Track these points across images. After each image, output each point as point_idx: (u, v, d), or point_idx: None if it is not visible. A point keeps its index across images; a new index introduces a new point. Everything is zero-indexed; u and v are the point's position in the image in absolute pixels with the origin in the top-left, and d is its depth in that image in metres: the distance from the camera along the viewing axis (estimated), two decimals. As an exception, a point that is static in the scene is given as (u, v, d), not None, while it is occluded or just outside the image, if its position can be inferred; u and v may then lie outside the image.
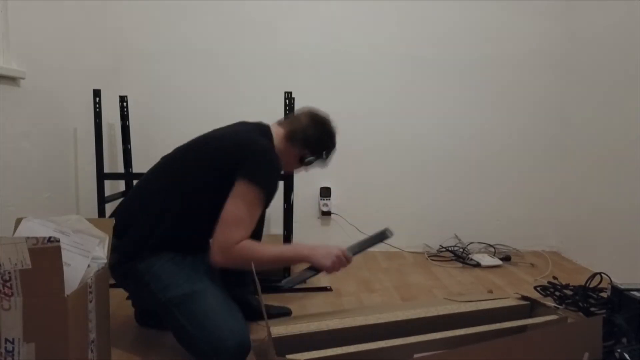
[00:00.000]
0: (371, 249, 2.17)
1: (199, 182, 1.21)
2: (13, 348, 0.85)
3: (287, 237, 1.85)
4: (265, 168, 1.20)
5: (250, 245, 1.16)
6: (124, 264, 1.19)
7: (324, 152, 1.43)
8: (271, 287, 1.71)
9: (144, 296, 1.23)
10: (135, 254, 1.19)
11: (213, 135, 1.30)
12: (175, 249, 1.20)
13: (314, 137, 1.38)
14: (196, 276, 1.17)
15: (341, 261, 1.25)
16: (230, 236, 1.13)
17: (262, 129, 1.35)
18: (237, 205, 1.15)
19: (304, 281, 1.36)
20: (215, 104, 2.29)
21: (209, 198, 1.19)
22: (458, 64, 2.34)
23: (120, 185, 2.26)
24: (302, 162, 1.42)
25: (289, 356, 0.90)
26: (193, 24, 2.27)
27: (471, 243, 2.38)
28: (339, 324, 1.10)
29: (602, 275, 1.65)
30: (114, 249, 1.14)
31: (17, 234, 0.96)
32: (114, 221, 1.10)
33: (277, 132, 1.37)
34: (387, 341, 0.98)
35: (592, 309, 1.48)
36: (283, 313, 1.51)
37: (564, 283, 1.75)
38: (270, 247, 1.22)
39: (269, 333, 1.05)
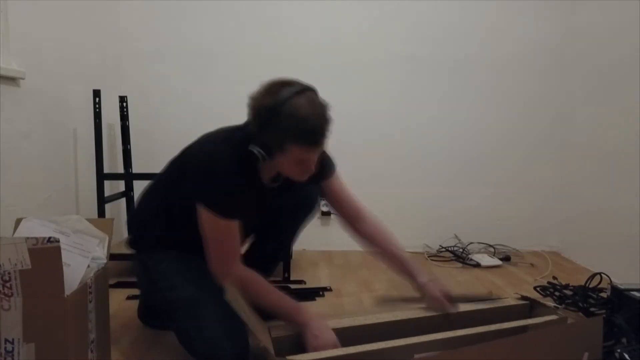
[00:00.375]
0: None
1: (174, 188, 1.20)
2: (13, 348, 0.84)
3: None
4: (203, 182, 1.06)
5: (249, 281, 1.10)
6: (134, 256, 1.25)
7: (271, 137, 1.02)
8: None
9: (150, 291, 1.26)
10: (136, 250, 1.24)
11: (195, 141, 1.22)
12: (178, 249, 1.21)
13: (257, 123, 1.03)
14: (202, 279, 1.17)
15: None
16: (218, 266, 1.10)
17: (232, 136, 1.13)
18: (205, 232, 1.08)
19: None
20: (215, 104, 2.29)
21: (183, 205, 1.14)
22: (459, 63, 2.33)
23: (120, 186, 2.25)
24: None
25: (289, 357, 0.90)
26: (193, 24, 2.27)
27: (471, 243, 2.38)
28: (337, 324, 1.10)
29: (602, 275, 1.65)
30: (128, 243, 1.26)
31: (17, 234, 0.97)
32: (113, 221, 1.11)
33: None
34: (387, 342, 0.98)
35: (592, 309, 1.48)
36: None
37: (563, 283, 1.75)
38: (269, 293, 1.10)
39: (269, 334, 1.05)
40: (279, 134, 1.00)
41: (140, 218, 1.28)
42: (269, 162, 1.07)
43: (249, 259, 1.20)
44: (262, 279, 1.12)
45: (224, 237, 1.09)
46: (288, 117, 0.98)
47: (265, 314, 1.11)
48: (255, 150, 1.05)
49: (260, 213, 1.26)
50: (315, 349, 0.99)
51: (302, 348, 1.00)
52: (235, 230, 1.09)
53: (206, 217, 1.07)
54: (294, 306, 1.11)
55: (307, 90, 1.03)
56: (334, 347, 1.01)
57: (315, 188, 1.34)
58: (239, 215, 1.09)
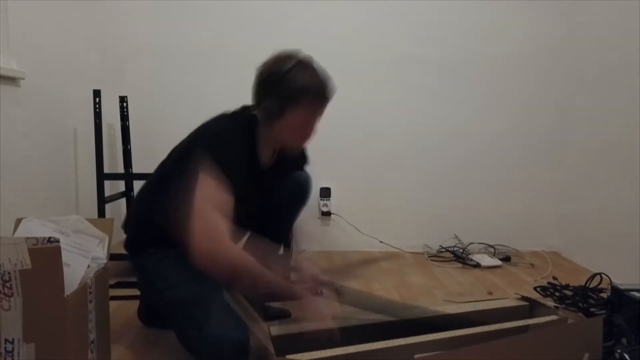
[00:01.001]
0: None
1: (172, 179, 1.18)
2: (13, 348, 0.84)
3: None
4: (212, 149, 1.05)
5: (240, 260, 1.01)
6: (131, 259, 1.24)
7: (288, 92, 1.12)
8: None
9: (149, 293, 1.26)
10: (133, 251, 1.23)
11: (194, 130, 1.27)
12: (176, 246, 1.20)
13: (274, 89, 1.12)
14: (201, 278, 1.17)
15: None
16: (204, 242, 0.97)
17: (237, 117, 1.21)
18: (196, 202, 0.99)
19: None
20: (215, 104, 2.27)
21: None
22: (458, 64, 2.34)
23: (120, 186, 2.25)
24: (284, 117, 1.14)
25: (288, 356, 0.90)
26: (193, 24, 2.27)
27: (471, 243, 2.38)
28: (338, 324, 1.10)
29: (602, 275, 1.65)
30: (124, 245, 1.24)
31: (17, 234, 0.96)
32: (113, 221, 1.11)
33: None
34: (387, 341, 0.98)
35: (592, 309, 1.48)
36: (283, 315, 1.51)
37: (563, 283, 1.76)
38: (262, 274, 1.02)
39: (269, 334, 1.05)
40: (296, 90, 1.10)
41: (137, 218, 1.27)
42: (269, 133, 1.17)
43: None
44: (252, 259, 1.02)
45: (217, 207, 0.99)
46: (305, 76, 1.13)
47: (271, 315, 1.12)
48: (263, 112, 1.13)
49: (256, 200, 1.27)
50: (317, 320, 1.05)
51: (302, 347, 1.00)
52: (230, 206, 1.02)
53: (203, 183, 1.00)
54: (287, 285, 1.11)
55: (309, 58, 1.20)
56: (331, 317, 1.05)
57: (307, 173, 1.42)
58: (237, 189, 1.05)
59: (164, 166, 1.27)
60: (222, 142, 1.08)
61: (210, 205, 1.00)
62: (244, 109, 1.26)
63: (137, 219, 1.27)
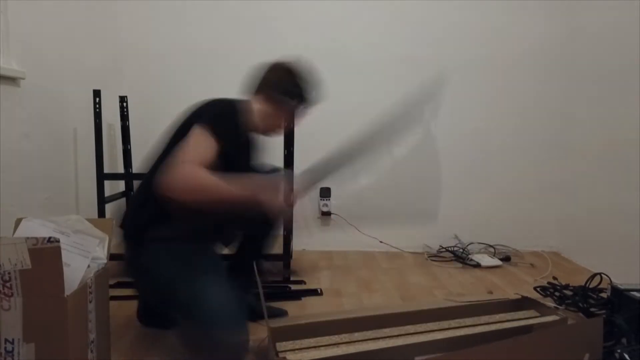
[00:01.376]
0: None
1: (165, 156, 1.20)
2: (13, 348, 0.84)
3: (287, 237, 1.85)
4: (211, 111, 1.24)
5: (198, 170, 1.06)
6: (129, 257, 1.23)
7: (292, 94, 1.34)
8: (274, 293, 1.72)
9: (148, 290, 1.26)
10: (131, 245, 1.22)
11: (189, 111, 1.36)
12: (174, 238, 1.20)
13: (277, 82, 1.35)
14: (200, 272, 1.17)
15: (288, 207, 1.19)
16: (180, 160, 1.07)
17: (231, 101, 1.33)
18: (185, 144, 1.13)
19: None
20: (215, 104, 2.29)
21: None
22: (457, 64, 2.33)
23: (120, 186, 2.25)
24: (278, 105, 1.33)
25: (288, 356, 0.90)
26: (193, 24, 2.27)
27: (471, 243, 2.38)
28: (337, 316, 1.11)
29: (602, 275, 1.65)
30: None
31: (17, 234, 0.96)
32: (113, 221, 1.11)
33: (253, 100, 1.38)
34: (387, 341, 0.98)
35: (592, 309, 1.48)
36: (280, 314, 1.51)
37: (563, 283, 1.76)
38: (221, 181, 1.07)
39: (269, 333, 1.05)
40: (291, 91, 1.33)
41: (135, 205, 1.27)
42: (258, 118, 1.32)
43: (242, 256, 1.39)
44: (217, 179, 1.07)
45: (202, 146, 1.12)
46: (305, 81, 1.35)
47: (268, 314, 1.12)
48: (274, 95, 1.32)
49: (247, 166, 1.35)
50: (277, 214, 1.16)
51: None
52: (215, 151, 1.13)
53: (197, 132, 1.15)
54: (244, 194, 1.10)
55: (308, 66, 1.38)
56: (285, 204, 1.14)
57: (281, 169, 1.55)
58: (229, 147, 1.17)
59: (158, 152, 1.29)
60: (221, 109, 1.25)
61: (193, 147, 1.12)
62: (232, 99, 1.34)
63: (135, 206, 1.27)
